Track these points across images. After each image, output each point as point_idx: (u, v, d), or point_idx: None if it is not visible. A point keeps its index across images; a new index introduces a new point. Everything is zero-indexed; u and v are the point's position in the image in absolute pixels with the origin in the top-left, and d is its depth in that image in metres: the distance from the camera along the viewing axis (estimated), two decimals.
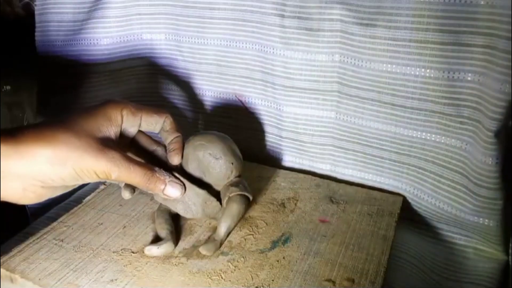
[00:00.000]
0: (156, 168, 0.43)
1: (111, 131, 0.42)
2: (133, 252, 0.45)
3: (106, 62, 0.63)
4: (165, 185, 0.43)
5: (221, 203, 0.48)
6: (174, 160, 0.47)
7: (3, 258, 0.44)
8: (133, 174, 0.41)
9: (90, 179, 0.40)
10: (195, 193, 0.46)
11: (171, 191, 0.43)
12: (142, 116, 0.45)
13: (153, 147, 0.48)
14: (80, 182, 0.40)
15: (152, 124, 0.46)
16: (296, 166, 0.62)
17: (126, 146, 0.45)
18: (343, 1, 0.51)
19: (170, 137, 0.47)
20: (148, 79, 0.67)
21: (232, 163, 0.48)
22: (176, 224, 0.48)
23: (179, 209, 0.47)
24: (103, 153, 0.39)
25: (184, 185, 0.44)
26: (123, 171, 0.40)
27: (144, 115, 0.45)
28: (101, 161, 0.39)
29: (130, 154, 0.43)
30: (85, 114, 0.41)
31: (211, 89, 0.65)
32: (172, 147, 0.47)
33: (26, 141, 0.37)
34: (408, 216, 0.56)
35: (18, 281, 0.42)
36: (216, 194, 0.48)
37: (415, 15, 0.47)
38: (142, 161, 0.43)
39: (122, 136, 0.44)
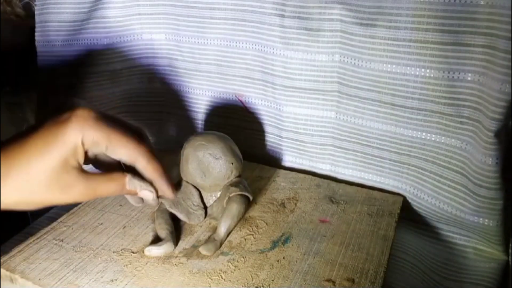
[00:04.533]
0: (128, 176, 0.41)
1: (74, 159, 0.38)
2: (133, 252, 0.45)
3: (106, 62, 0.63)
4: (138, 192, 0.42)
5: (206, 213, 0.49)
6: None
7: (3, 258, 0.44)
8: (107, 191, 0.40)
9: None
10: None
11: (145, 194, 0.42)
12: (108, 146, 0.39)
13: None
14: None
15: (119, 155, 0.40)
16: (296, 166, 0.62)
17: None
18: (343, 1, 0.51)
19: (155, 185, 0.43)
20: (148, 79, 0.67)
21: (232, 163, 0.48)
22: (176, 224, 0.48)
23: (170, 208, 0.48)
24: (68, 189, 0.38)
25: (155, 191, 0.43)
26: (98, 193, 0.39)
27: (111, 146, 0.39)
28: (68, 196, 0.38)
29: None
30: (45, 147, 0.37)
31: (211, 89, 0.65)
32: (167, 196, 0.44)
33: None
34: (408, 216, 0.56)
35: (18, 281, 0.42)
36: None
37: (415, 15, 0.47)
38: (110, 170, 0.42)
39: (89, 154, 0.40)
